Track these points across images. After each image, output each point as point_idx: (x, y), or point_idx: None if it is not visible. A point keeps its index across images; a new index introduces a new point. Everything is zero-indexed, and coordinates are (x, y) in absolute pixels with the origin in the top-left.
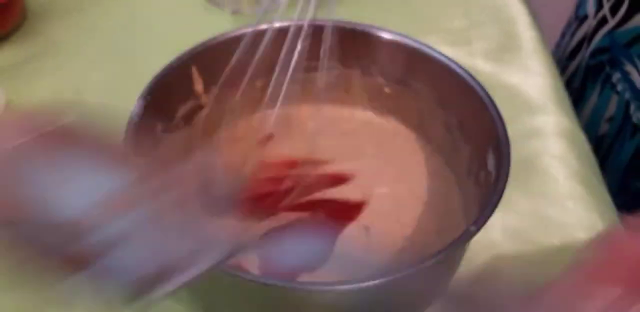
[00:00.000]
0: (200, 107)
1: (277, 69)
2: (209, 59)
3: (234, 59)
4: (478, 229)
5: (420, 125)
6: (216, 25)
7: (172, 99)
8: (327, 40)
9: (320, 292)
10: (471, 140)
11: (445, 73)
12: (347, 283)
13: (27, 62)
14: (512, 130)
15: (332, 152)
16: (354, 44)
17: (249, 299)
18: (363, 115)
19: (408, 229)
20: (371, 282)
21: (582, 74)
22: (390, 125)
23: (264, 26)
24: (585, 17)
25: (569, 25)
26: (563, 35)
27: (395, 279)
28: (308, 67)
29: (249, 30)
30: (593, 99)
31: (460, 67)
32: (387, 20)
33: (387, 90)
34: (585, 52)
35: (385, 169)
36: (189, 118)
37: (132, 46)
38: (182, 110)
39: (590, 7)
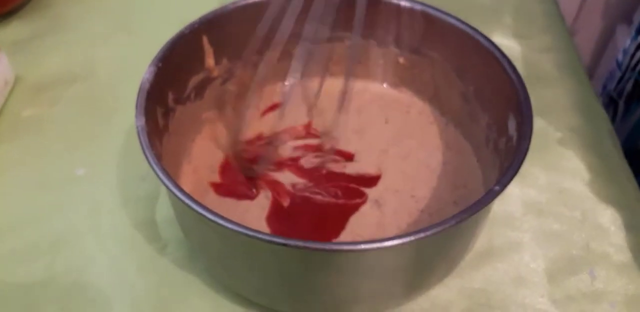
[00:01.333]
0: (211, 79)
1: (297, 40)
2: (220, 29)
3: (257, 29)
4: (502, 189)
5: (436, 96)
6: None
7: (183, 68)
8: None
9: (342, 252)
10: (490, 107)
11: (462, 39)
12: (366, 243)
13: (35, 37)
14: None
15: (344, 125)
16: (370, 12)
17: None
18: (377, 88)
19: (422, 202)
20: (391, 242)
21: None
22: (404, 97)
23: None
24: None
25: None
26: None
27: (418, 240)
28: (324, 39)
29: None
30: None
31: (476, 30)
32: None
33: (401, 60)
34: None
35: (400, 142)
36: (200, 90)
37: (140, 20)
38: (194, 81)
39: None
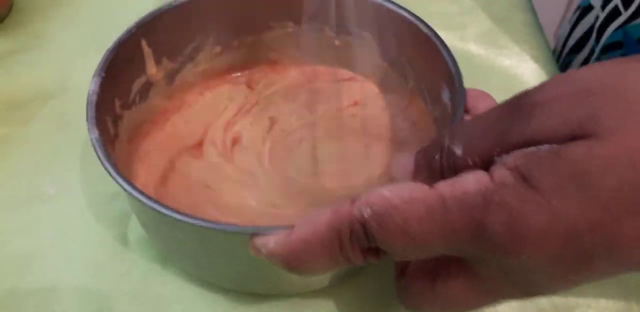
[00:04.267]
0: (153, 81)
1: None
2: (157, 31)
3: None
4: None
5: (374, 74)
6: None
7: (126, 74)
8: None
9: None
10: (425, 81)
11: (394, 20)
12: None
13: (11, 54)
14: None
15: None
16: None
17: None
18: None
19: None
20: None
21: None
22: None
23: None
24: (590, 7)
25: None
26: (562, 25)
27: None
28: (259, 28)
29: None
30: None
31: (406, 10)
32: None
33: (337, 43)
34: (596, 46)
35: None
36: (144, 93)
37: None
38: (137, 85)
39: None
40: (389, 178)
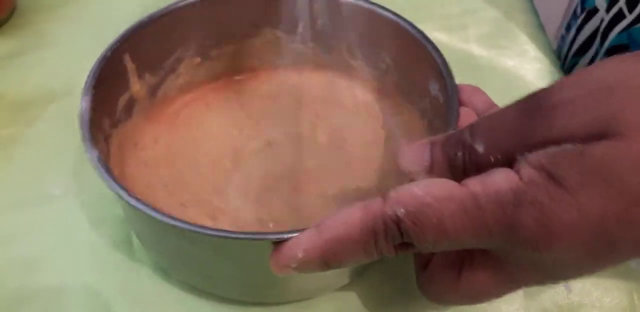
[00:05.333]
0: (137, 96)
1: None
2: (139, 44)
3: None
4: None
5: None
6: None
7: (112, 91)
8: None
9: None
10: (409, 74)
11: (372, 19)
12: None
13: (17, 55)
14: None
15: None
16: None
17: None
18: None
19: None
20: None
21: None
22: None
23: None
24: (595, 10)
25: (574, 17)
26: (568, 28)
27: None
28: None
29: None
30: None
31: (386, 9)
32: None
33: (313, 46)
34: (600, 49)
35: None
36: (128, 109)
37: None
38: (122, 101)
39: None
40: (399, 171)
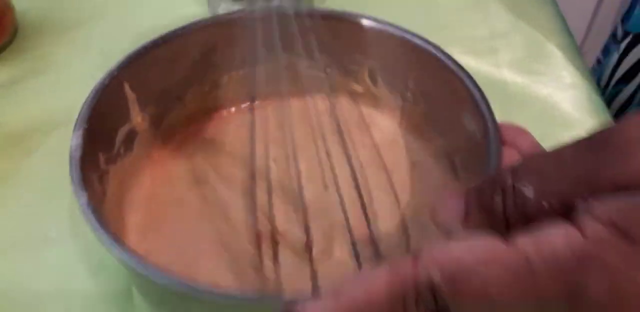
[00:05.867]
0: (138, 128)
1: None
2: (140, 72)
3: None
4: None
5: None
6: None
7: (109, 123)
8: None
9: None
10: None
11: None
12: None
13: (17, 81)
14: (547, 147)
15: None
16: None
17: None
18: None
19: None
20: None
21: None
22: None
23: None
24: None
25: (614, 40)
26: (606, 52)
27: None
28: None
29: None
30: None
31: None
32: None
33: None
34: None
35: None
36: (129, 142)
37: None
38: (121, 134)
39: None
40: (435, 223)
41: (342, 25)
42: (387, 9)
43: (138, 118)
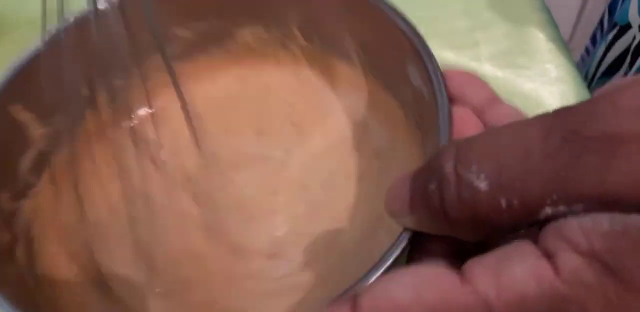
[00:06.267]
0: (46, 150)
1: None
2: (30, 86)
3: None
4: None
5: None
6: None
7: (2, 155)
8: None
9: None
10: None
11: None
12: None
13: None
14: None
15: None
16: None
17: None
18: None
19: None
20: None
21: None
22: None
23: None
24: (628, 26)
25: (601, 32)
26: (593, 40)
27: None
28: None
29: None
30: None
31: None
32: None
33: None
34: (629, 71)
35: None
36: (39, 168)
37: None
38: (25, 163)
39: (634, 14)
40: (388, 214)
41: None
42: None
43: (42, 138)
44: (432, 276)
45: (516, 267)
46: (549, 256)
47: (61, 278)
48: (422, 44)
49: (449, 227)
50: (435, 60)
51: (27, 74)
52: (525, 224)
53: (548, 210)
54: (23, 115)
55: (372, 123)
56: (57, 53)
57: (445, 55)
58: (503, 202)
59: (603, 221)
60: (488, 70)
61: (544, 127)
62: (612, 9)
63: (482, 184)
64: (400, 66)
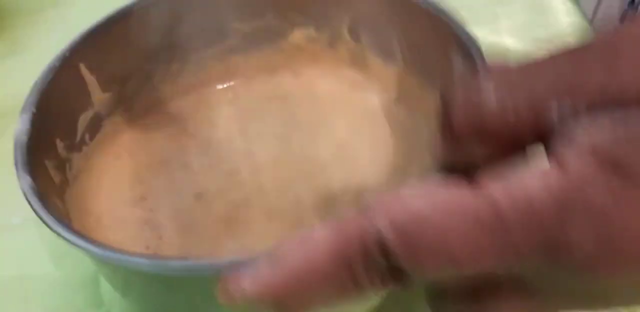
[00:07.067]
0: (104, 113)
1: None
2: (98, 51)
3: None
4: None
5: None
6: None
7: (66, 108)
8: None
9: None
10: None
11: None
12: None
13: None
14: None
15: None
16: None
17: None
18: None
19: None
20: None
21: None
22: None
23: None
24: None
25: (630, 7)
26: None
27: None
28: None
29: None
30: None
31: None
32: None
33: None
34: None
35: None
36: (94, 129)
37: None
38: (83, 120)
39: None
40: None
41: None
42: None
43: (101, 101)
44: (442, 185)
45: (525, 173)
46: (557, 162)
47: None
48: (469, 38)
49: (457, 146)
50: (482, 53)
51: (102, 37)
52: (532, 136)
53: (554, 114)
54: (87, 75)
55: (411, 121)
56: (128, 25)
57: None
58: (510, 105)
59: (604, 118)
60: (508, 43)
61: (560, 53)
62: None
63: (491, 97)
64: (445, 62)
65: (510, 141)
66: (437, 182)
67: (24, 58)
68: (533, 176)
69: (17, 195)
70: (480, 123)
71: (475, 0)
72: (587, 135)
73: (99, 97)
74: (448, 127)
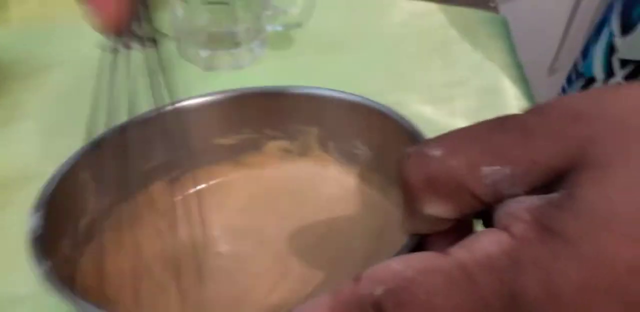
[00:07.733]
0: (97, 219)
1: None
2: (101, 159)
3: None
4: None
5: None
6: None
7: (71, 209)
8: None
9: None
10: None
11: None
12: None
13: None
14: None
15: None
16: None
17: None
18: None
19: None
20: None
21: None
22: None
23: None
24: (592, 80)
25: (569, 83)
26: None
27: None
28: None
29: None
30: None
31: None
32: (362, 77)
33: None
34: None
35: None
36: (90, 232)
37: None
38: (82, 225)
39: (598, 70)
40: None
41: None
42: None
43: (96, 207)
44: (418, 253)
45: (483, 238)
46: (504, 229)
47: None
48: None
49: (420, 214)
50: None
51: (107, 146)
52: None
53: (487, 179)
54: (89, 182)
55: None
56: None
57: (422, 109)
58: (454, 162)
59: (534, 199)
60: (460, 125)
61: (491, 125)
62: (577, 61)
63: (437, 152)
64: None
65: (464, 202)
66: (416, 255)
67: (26, 126)
68: (488, 241)
69: (23, 263)
70: (428, 172)
71: (435, 80)
72: (526, 211)
73: (94, 204)
74: (405, 183)
